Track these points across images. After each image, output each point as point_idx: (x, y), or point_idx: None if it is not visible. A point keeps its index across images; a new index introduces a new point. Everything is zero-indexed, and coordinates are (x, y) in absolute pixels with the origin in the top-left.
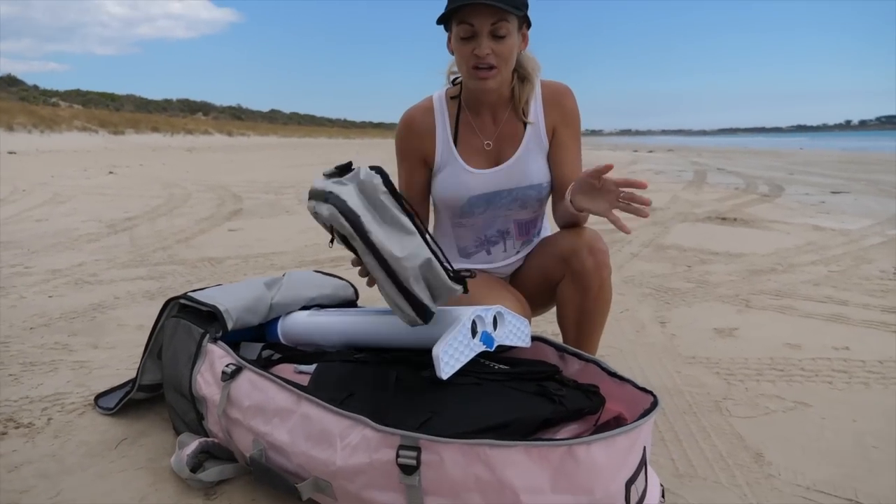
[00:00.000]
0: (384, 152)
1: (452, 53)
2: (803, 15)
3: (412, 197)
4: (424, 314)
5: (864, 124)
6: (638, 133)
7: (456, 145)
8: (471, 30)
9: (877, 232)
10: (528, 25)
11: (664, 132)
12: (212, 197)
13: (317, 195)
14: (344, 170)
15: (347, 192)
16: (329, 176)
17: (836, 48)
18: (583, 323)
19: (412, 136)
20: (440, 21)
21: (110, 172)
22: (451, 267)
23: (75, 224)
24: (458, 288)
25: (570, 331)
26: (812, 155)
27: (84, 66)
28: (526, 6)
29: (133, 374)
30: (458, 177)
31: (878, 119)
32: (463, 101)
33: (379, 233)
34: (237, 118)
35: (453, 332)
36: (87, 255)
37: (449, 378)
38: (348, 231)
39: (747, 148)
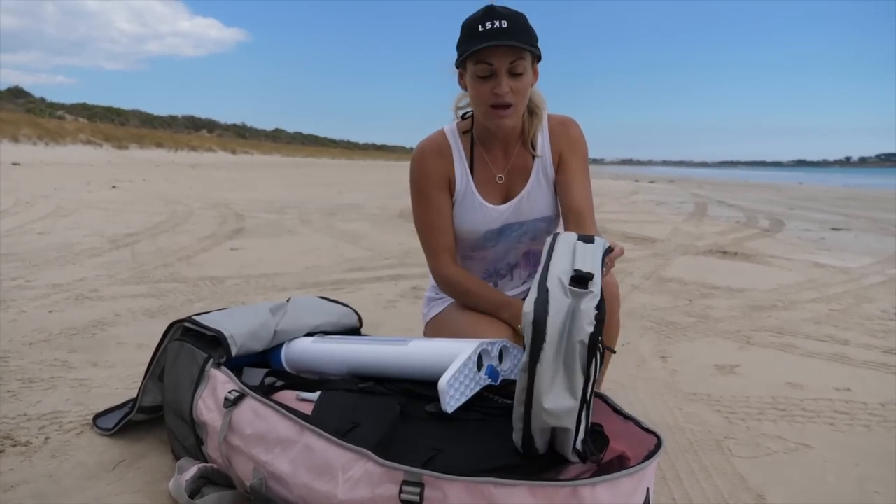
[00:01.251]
0: (387, 174)
1: (465, 89)
2: (806, 52)
3: (444, 226)
4: (528, 450)
5: (863, 161)
6: (639, 163)
7: (472, 178)
8: (489, 69)
9: (877, 271)
10: (539, 59)
11: (665, 163)
12: (214, 215)
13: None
14: (582, 281)
15: (561, 306)
16: (573, 281)
17: (838, 86)
18: None
19: (435, 162)
20: (460, 62)
21: (113, 187)
22: (582, 443)
23: (77, 238)
24: (575, 461)
25: None
26: (812, 190)
27: (91, 81)
28: (537, 40)
29: (132, 394)
30: (475, 211)
31: (878, 156)
32: (475, 135)
33: (546, 370)
34: (241, 136)
35: (459, 365)
36: (88, 269)
37: (454, 412)
38: (527, 341)
39: (747, 181)
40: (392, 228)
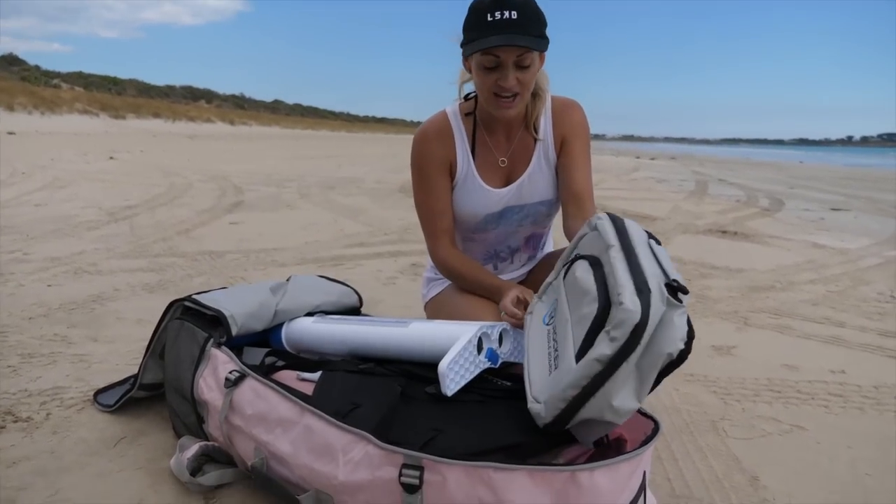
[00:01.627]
0: (387, 147)
1: (469, 71)
2: (809, 31)
3: (443, 209)
4: (549, 427)
5: (865, 140)
6: (641, 139)
7: (474, 162)
8: (496, 61)
9: (875, 252)
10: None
11: (667, 139)
12: (213, 187)
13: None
14: (676, 291)
15: (657, 313)
16: (669, 289)
17: (840, 65)
18: None
19: (437, 145)
20: (464, 49)
21: (111, 157)
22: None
23: (75, 210)
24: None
25: None
26: (813, 169)
27: (87, 49)
28: (546, 26)
29: (132, 370)
30: (476, 193)
31: (880, 136)
32: (478, 118)
33: (626, 370)
34: (240, 107)
35: (459, 348)
36: (87, 243)
37: (453, 395)
38: (620, 337)
39: (749, 159)
40: (392, 203)
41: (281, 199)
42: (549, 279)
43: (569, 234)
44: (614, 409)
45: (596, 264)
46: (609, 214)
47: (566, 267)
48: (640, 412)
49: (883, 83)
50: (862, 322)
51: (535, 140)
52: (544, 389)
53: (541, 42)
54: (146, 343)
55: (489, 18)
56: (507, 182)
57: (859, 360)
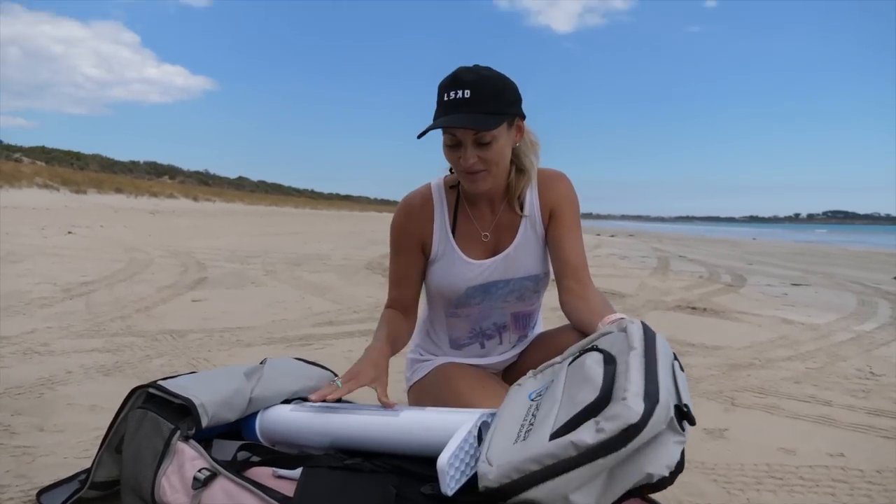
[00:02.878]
0: (352, 224)
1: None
2: (758, 113)
3: (404, 280)
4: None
5: (811, 217)
6: (599, 217)
7: (454, 235)
8: (455, 139)
9: (843, 327)
10: (523, 118)
11: (624, 217)
12: (175, 263)
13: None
14: (682, 418)
15: (654, 428)
16: (677, 412)
17: (787, 145)
18: None
19: (411, 223)
20: (421, 135)
21: (69, 232)
22: None
23: (28, 286)
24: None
25: None
26: (766, 245)
27: (53, 124)
28: (517, 103)
29: (82, 465)
30: (455, 267)
31: (825, 213)
32: (461, 191)
33: (595, 469)
34: (204, 183)
35: (459, 440)
36: (38, 321)
37: (454, 493)
38: (608, 431)
39: (704, 236)
40: (360, 280)
41: (246, 276)
42: (553, 360)
43: (566, 307)
44: (568, 502)
45: (610, 361)
46: (643, 323)
47: (576, 355)
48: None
49: (827, 163)
50: (849, 400)
51: (521, 216)
52: (502, 454)
53: (493, 120)
54: (100, 433)
55: (445, 98)
56: (492, 255)
57: (854, 442)
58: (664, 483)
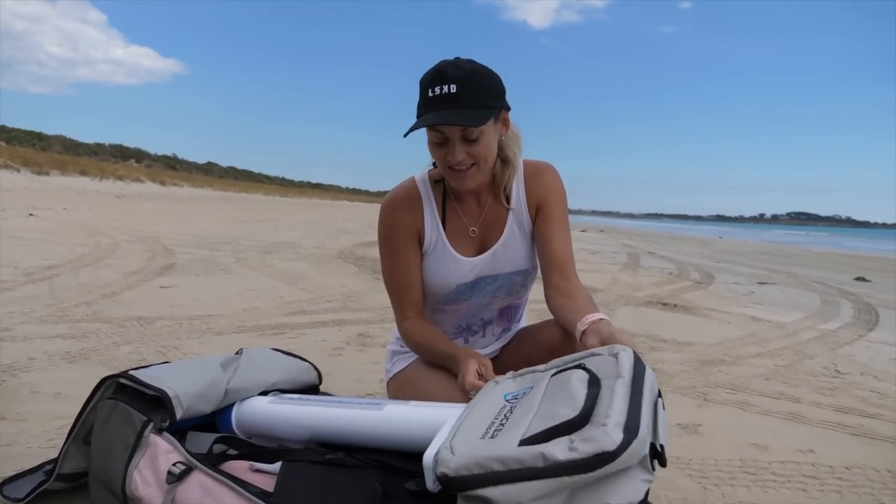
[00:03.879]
0: (323, 212)
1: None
2: (724, 113)
3: (411, 281)
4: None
5: (776, 218)
6: (570, 212)
7: (444, 230)
8: (442, 136)
9: (809, 326)
10: (508, 110)
11: (594, 212)
12: (142, 248)
13: None
14: (655, 458)
15: (626, 461)
16: (652, 451)
17: (753, 146)
18: None
19: (405, 213)
20: (408, 133)
21: (30, 214)
22: None
23: None
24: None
25: None
26: (733, 244)
27: (14, 103)
28: (502, 95)
29: (47, 455)
30: (446, 263)
31: (789, 214)
32: (447, 186)
33: (557, 486)
34: (172, 168)
35: (444, 434)
36: None
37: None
38: (578, 457)
39: (672, 233)
40: (332, 269)
41: (215, 263)
42: (536, 367)
43: (551, 303)
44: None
45: (594, 383)
46: (635, 353)
47: (561, 368)
48: None
49: (792, 164)
50: (816, 397)
51: (508, 209)
52: (466, 446)
53: (481, 115)
54: (65, 423)
55: (430, 94)
56: (480, 251)
57: (823, 439)
58: None
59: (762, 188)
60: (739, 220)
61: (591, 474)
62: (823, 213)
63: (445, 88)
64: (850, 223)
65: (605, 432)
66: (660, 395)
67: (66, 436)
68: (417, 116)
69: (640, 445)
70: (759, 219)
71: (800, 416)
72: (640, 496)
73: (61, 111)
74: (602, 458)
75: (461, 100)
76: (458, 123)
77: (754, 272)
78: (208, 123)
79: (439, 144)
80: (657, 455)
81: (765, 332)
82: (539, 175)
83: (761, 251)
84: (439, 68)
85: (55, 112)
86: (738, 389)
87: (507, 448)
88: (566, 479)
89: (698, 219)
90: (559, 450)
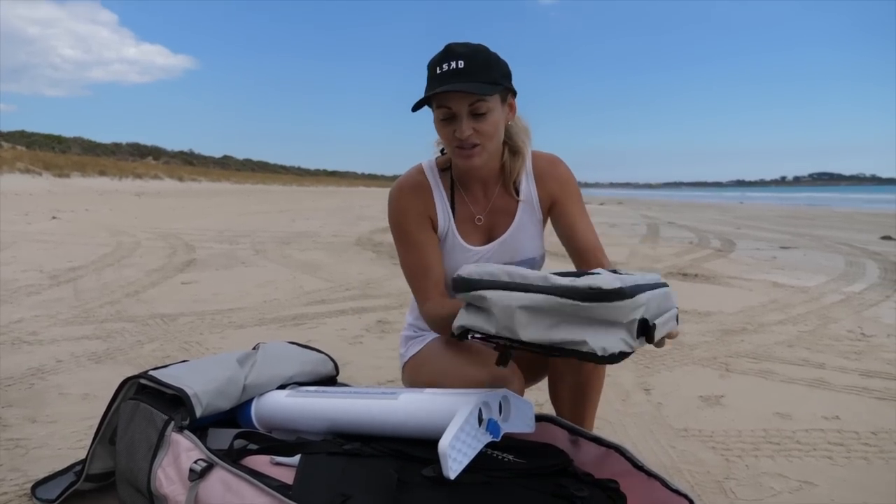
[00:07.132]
0: (340, 199)
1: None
2: (741, 77)
3: (430, 264)
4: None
5: (798, 180)
6: (587, 185)
7: (454, 218)
8: (449, 112)
9: (833, 289)
10: (514, 94)
11: (612, 185)
12: (163, 246)
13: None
14: (644, 330)
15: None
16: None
17: (772, 107)
18: (578, 397)
19: (415, 199)
20: (416, 107)
21: (53, 217)
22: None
23: (14, 274)
24: None
25: (565, 405)
26: (754, 209)
27: (32, 108)
28: (508, 77)
29: (77, 455)
30: (456, 252)
31: (811, 175)
32: (454, 173)
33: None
34: (189, 163)
35: (460, 422)
36: (26, 309)
37: (456, 477)
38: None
39: (692, 202)
40: (350, 257)
41: (235, 256)
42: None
43: None
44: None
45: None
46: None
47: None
48: (670, 488)
49: (813, 125)
50: (841, 362)
51: (518, 201)
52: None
53: (489, 88)
54: (93, 423)
55: (438, 71)
56: (487, 240)
57: (849, 404)
58: (590, 358)
59: (782, 150)
60: (760, 183)
61: (579, 303)
62: (847, 172)
63: (453, 64)
64: (876, 181)
65: (606, 278)
66: (677, 316)
67: (92, 436)
68: (425, 96)
69: (633, 306)
70: (781, 181)
71: (824, 383)
72: (614, 350)
73: (78, 113)
74: (594, 293)
75: (469, 74)
76: (465, 91)
77: (776, 237)
78: (222, 117)
79: (447, 121)
80: (646, 331)
81: (787, 297)
82: (551, 168)
83: (784, 215)
84: (447, 47)
85: (72, 114)
86: (761, 358)
87: (517, 269)
88: (556, 300)
89: (718, 185)
90: (562, 279)
